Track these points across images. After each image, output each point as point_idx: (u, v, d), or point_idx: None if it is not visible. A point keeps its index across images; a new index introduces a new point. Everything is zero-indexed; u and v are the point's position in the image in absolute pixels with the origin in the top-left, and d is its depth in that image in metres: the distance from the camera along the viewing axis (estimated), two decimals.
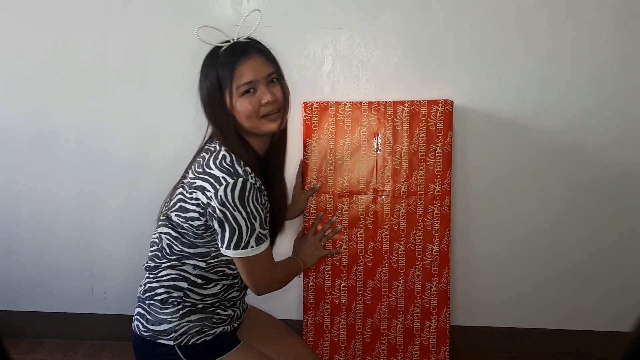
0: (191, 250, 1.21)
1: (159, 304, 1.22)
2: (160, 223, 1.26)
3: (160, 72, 1.79)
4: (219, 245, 1.18)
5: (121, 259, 1.92)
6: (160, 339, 1.21)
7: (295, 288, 1.82)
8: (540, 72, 1.70)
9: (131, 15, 1.77)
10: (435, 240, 1.66)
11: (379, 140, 1.64)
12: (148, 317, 1.23)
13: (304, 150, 1.65)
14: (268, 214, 1.22)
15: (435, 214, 1.65)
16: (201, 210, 1.15)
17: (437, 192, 1.64)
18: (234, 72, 1.16)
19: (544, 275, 1.82)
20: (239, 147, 1.19)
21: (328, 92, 1.76)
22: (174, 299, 1.22)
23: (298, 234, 1.67)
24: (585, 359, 1.83)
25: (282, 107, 1.22)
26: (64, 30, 1.79)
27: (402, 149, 1.64)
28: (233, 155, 1.17)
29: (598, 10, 1.65)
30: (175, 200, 1.22)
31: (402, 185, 1.64)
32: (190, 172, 1.21)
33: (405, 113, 1.64)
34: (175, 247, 1.22)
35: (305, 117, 1.65)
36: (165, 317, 1.21)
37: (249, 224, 1.14)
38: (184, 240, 1.21)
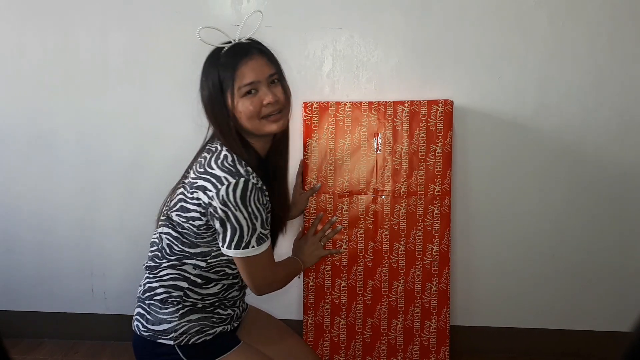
0: (191, 250, 1.21)
1: (158, 304, 1.22)
2: (160, 223, 1.26)
3: (160, 72, 1.79)
4: (220, 245, 1.18)
5: (121, 259, 1.92)
6: (160, 338, 1.21)
7: (295, 288, 1.82)
8: (540, 72, 1.70)
9: (131, 15, 1.77)
10: (435, 240, 1.66)
11: (379, 140, 1.64)
12: (148, 317, 1.23)
13: (304, 150, 1.65)
14: (269, 214, 1.22)
15: (435, 214, 1.65)
16: (202, 210, 1.16)
17: (437, 192, 1.64)
18: (236, 73, 1.16)
19: (544, 275, 1.82)
20: (240, 147, 1.20)
21: (328, 92, 1.76)
22: (173, 299, 1.22)
23: (298, 234, 1.67)
24: (585, 359, 1.83)
25: (283, 107, 1.23)
26: (64, 30, 1.79)
27: (402, 149, 1.64)
28: (234, 155, 1.17)
29: (598, 10, 1.65)
30: (176, 200, 1.22)
31: (402, 185, 1.64)
32: (191, 172, 1.21)
33: (405, 113, 1.64)
34: (176, 247, 1.22)
35: (305, 117, 1.65)
36: (165, 316, 1.21)
37: (250, 224, 1.14)
38: (184, 240, 1.21)
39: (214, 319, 1.25)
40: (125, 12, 1.77)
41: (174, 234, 1.22)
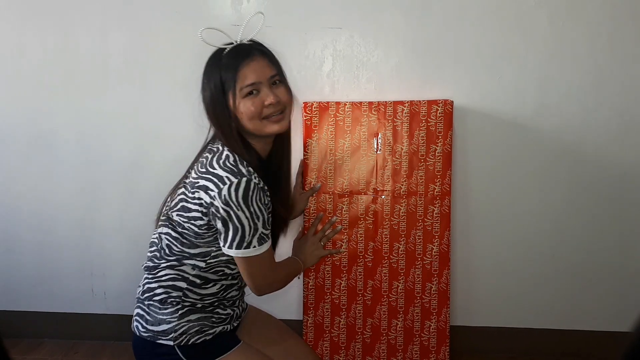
0: (191, 251, 1.21)
1: (158, 304, 1.22)
2: (160, 223, 1.26)
3: (160, 72, 1.79)
4: (221, 245, 1.18)
5: (121, 259, 1.92)
6: (159, 339, 1.21)
7: (295, 288, 1.82)
8: (540, 72, 1.70)
9: (131, 15, 1.77)
10: (435, 240, 1.66)
11: (379, 140, 1.64)
12: (147, 317, 1.23)
13: (304, 150, 1.65)
14: (270, 214, 1.22)
15: (435, 214, 1.65)
16: (204, 210, 1.16)
17: (437, 192, 1.64)
18: (237, 73, 1.17)
19: (544, 275, 1.82)
20: (241, 148, 1.20)
21: (328, 92, 1.76)
22: (173, 299, 1.22)
23: (298, 234, 1.67)
24: (585, 359, 1.83)
25: (285, 108, 1.23)
26: (64, 30, 1.79)
27: (402, 149, 1.64)
28: (236, 156, 1.17)
29: (598, 10, 1.65)
30: (177, 200, 1.22)
31: (402, 185, 1.64)
32: (192, 172, 1.21)
33: (405, 113, 1.64)
34: (175, 248, 1.22)
35: (305, 117, 1.65)
36: (165, 317, 1.21)
37: (252, 224, 1.14)
38: (184, 240, 1.21)
39: (214, 319, 1.25)
40: (125, 12, 1.77)
41: (173, 234, 1.22)
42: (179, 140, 1.80)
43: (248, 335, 1.36)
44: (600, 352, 1.82)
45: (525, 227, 1.80)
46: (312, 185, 1.65)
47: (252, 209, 1.13)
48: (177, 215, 1.20)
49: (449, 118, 1.63)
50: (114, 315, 1.96)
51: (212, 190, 1.13)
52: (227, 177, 1.13)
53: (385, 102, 1.65)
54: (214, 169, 1.15)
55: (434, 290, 1.68)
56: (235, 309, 1.31)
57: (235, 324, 1.32)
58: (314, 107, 1.65)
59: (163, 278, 1.23)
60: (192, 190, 1.17)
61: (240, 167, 1.15)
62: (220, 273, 1.25)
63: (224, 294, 1.27)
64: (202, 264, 1.22)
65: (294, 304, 1.87)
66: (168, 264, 1.23)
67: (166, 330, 1.21)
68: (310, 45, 1.74)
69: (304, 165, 1.65)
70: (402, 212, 1.65)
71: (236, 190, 1.11)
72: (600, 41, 1.67)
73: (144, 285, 1.27)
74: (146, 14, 1.76)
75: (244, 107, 1.17)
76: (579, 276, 1.81)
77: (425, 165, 1.64)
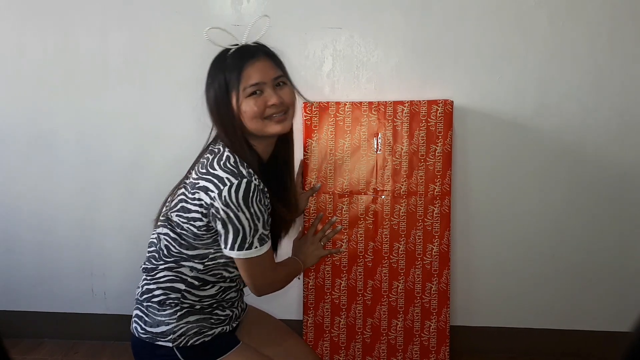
0: (189, 252, 1.21)
1: (156, 306, 1.22)
2: (159, 223, 1.26)
3: (160, 72, 1.79)
4: (222, 247, 1.17)
5: (121, 259, 1.92)
6: (158, 340, 1.21)
7: (295, 288, 1.82)
8: (540, 72, 1.70)
9: (131, 15, 1.77)
10: (435, 240, 1.66)
11: (379, 140, 1.64)
12: (146, 319, 1.23)
13: (304, 150, 1.65)
14: (270, 215, 1.22)
15: (435, 214, 1.65)
16: (204, 211, 1.15)
17: (437, 192, 1.64)
18: (242, 73, 1.17)
19: (544, 275, 1.82)
20: (244, 149, 1.20)
21: (328, 92, 1.76)
22: (171, 301, 1.22)
23: (298, 234, 1.66)
24: (585, 359, 1.83)
25: (288, 109, 1.23)
26: (64, 30, 1.79)
27: (402, 149, 1.64)
28: (237, 157, 1.17)
29: (598, 10, 1.65)
30: (176, 200, 1.21)
31: (402, 185, 1.64)
32: (193, 172, 1.21)
33: (405, 113, 1.64)
34: (173, 249, 1.22)
35: (305, 117, 1.65)
36: (163, 318, 1.21)
37: (252, 225, 1.14)
38: (182, 241, 1.21)
39: (213, 320, 1.25)
40: (125, 12, 1.77)
41: (172, 234, 1.22)
42: (179, 140, 1.80)
43: (248, 335, 1.36)
44: (600, 352, 1.82)
45: (525, 227, 1.80)
46: (312, 185, 1.65)
47: (252, 210, 1.13)
48: (177, 215, 1.20)
49: (449, 118, 1.63)
50: (114, 315, 1.96)
51: (212, 192, 1.13)
52: (227, 178, 1.13)
53: (385, 102, 1.65)
54: (215, 170, 1.15)
55: (434, 290, 1.68)
56: (234, 310, 1.31)
57: (234, 325, 1.31)
58: (314, 107, 1.65)
59: (161, 280, 1.23)
60: (192, 191, 1.17)
61: (241, 168, 1.15)
62: (219, 276, 1.24)
63: (223, 296, 1.27)
64: (200, 266, 1.21)
65: (294, 304, 1.87)
66: (166, 265, 1.23)
67: (165, 331, 1.21)
68: (310, 45, 1.74)
69: (304, 165, 1.65)
70: (402, 212, 1.65)
71: (236, 191, 1.11)
72: (600, 41, 1.67)
73: (142, 286, 1.26)
74: (146, 14, 1.76)
75: (247, 107, 1.18)
76: (579, 276, 1.81)
77: (425, 165, 1.64)
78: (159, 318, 1.21)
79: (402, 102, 1.64)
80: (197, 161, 1.25)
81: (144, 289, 1.25)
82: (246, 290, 1.35)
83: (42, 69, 1.82)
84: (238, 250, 1.15)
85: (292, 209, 1.39)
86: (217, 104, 1.20)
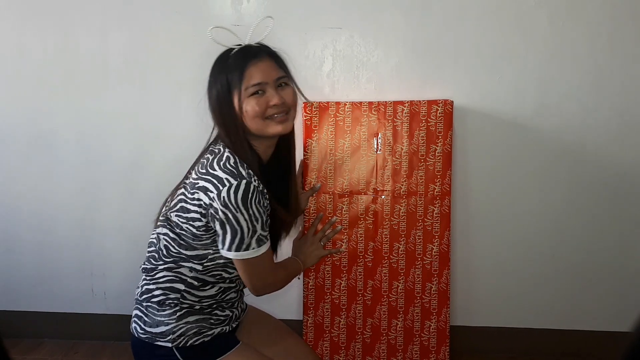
0: (188, 253, 1.21)
1: (156, 306, 1.22)
2: (158, 224, 1.26)
3: (160, 72, 1.79)
4: (219, 247, 1.17)
5: (121, 259, 1.92)
6: (158, 341, 1.21)
7: (295, 288, 1.82)
8: (540, 72, 1.70)
9: (131, 15, 1.77)
10: (435, 240, 1.66)
11: (379, 140, 1.64)
12: (145, 319, 1.23)
13: (304, 150, 1.65)
14: (269, 217, 1.22)
15: (435, 214, 1.65)
16: (203, 211, 1.15)
17: (437, 192, 1.64)
18: (244, 73, 1.17)
19: (544, 275, 1.82)
20: (244, 149, 1.20)
21: (328, 92, 1.76)
22: (171, 301, 1.21)
23: (298, 234, 1.66)
24: (585, 359, 1.83)
25: (289, 110, 1.23)
26: (64, 30, 1.79)
27: (402, 149, 1.64)
28: (237, 157, 1.17)
29: (598, 10, 1.65)
30: (176, 200, 1.21)
31: (402, 185, 1.64)
32: (193, 172, 1.21)
33: (405, 113, 1.64)
34: (172, 249, 1.22)
35: (305, 117, 1.65)
36: (163, 318, 1.21)
37: (250, 226, 1.14)
38: (181, 242, 1.21)
39: (212, 321, 1.25)
40: (125, 12, 1.77)
41: (171, 235, 1.21)
42: (179, 140, 1.80)
43: (248, 335, 1.36)
44: (600, 352, 1.82)
45: (525, 227, 1.80)
46: (312, 185, 1.65)
47: (251, 212, 1.13)
48: (176, 215, 1.20)
49: (449, 118, 1.63)
50: (114, 315, 1.96)
51: (211, 192, 1.13)
52: (226, 179, 1.13)
53: (385, 102, 1.65)
54: (214, 170, 1.15)
55: (434, 290, 1.68)
56: (234, 310, 1.31)
57: (234, 325, 1.31)
58: (314, 107, 1.65)
59: (161, 280, 1.23)
60: (191, 191, 1.17)
61: (241, 169, 1.15)
62: (218, 276, 1.24)
63: (223, 296, 1.27)
64: (199, 267, 1.21)
65: (294, 304, 1.88)
66: (166, 265, 1.23)
67: (164, 332, 1.20)
68: (310, 45, 1.74)
69: (304, 165, 1.65)
70: (402, 212, 1.65)
71: (235, 192, 1.11)
72: (600, 41, 1.67)
73: (142, 286, 1.26)
74: (146, 14, 1.76)
75: (248, 106, 1.18)
76: (579, 276, 1.81)
77: (425, 165, 1.64)
78: (159, 318, 1.21)
79: (402, 102, 1.64)
80: (197, 161, 1.25)
81: (143, 289, 1.25)
82: (246, 290, 1.35)
83: (42, 69, 1.82)
84: (235, 251, 1.15)
85: (291, 210, 1.39)
86: (219, 103, 1.20)
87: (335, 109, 1.65)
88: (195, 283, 1.22)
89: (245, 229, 1.13)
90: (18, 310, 1.99)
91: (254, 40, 1.25)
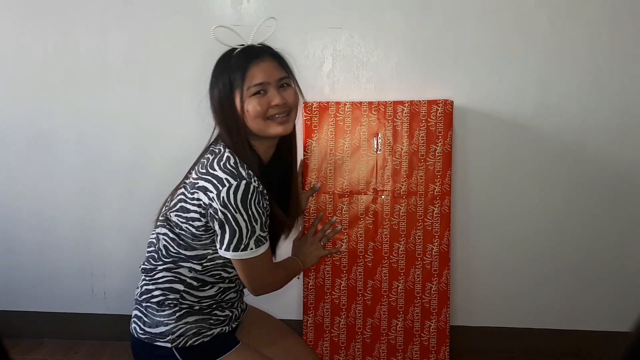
0: (187, 253, 1.21)
1: (155, 306, 1.22)
2: (158, 224, 1.26)
3: (160, 72, 1.79)
4: (218, 247, 1.17)
5: (121, 259, 1.92)
6: (157, 341, 1.21)
7: (295, 288, 1.82)
8: (540, 72, 1.70)
9: (131, 15, 1.77)
10: (435, 240, 1.66)
11: (379, 140, 1.64)
12: (145, 319, 1.23)
13: (304, 150, 1.65)
14: (268, 217, 1.22)
15: (435, 214, 1.65)
16: (202, 211, 1.15)
17: (437, 192, 1.64)
18: (246, 73, 1.17)
19: (544, 275, 1.82)
20: (245, 150, 1.20)
21: (328, 92, 1.76)
22: (170, 301, 1.21)
23: (298, 234, 1.66)
24: (585, 359, 1.83)
25: (290, 111, 1.23)
26: (64, 30, 1.79)
27: (402, 149, 1.64)
28: (237, 158, 1.17)
29: (598, 10, 1.65)
30: (176, 200, 1.21)
31: (402, 185, 1.64)
32: (193, 172, 1.21)
33: (405, 113, 1.64)
34: (172, 249, 1.22)
35: (305, 117, 1.65)
36: (162, 319, 1.21)
37: (249, 226, 1.13)
38: (181, 242, 1.21)
39: (212, 321, 1.25)
40: (125, 12, 1.77)
41: (171, 235, 1.21)
42: (179, 140, 1.80)
43: (248, 335, 1.36)
44: (600, 352, 1.82)
45: (525, 227, 1.80)
46: (312, 185, 1.65)
47: (250, 212, 1.13)
48: (176, 215, 1.20)
49: (449, 118, 1.63)
50: (114, 315, 1.96)
51: (211, 192, 1.13)
52: (226, 179, 1.13)
53: (385, 102, 1.65)
54: (214, 170, 1.15)
55: (434, 290, 1.68)
56: (234, 310, 1.31)
57: (234, 325, 1.31)
58: (314, 107, 1.65)
59: (160, 280, 1.23)
60: (191, 191, 1.17)
61: (241, 169, 1.15)
62: (217, 276, 1.24)
63: (222, 297, 1.27)
64: (199, 267, 1.21)
65: (294, 304, 1.88)
66: (165, 266, 1.23)
67: (164, 332, 1.20)
68: (310, 45, 1.74)
69: (304, 165, 1.65)
70: (402, 212, 1.65)
71: (235, 192, 1.11)
72: (600, 41, 1.67)
73: (141, 287, 1.26)
74: (146, 14, 1.76)
75: (250, 106, 1.18)
76: (579, 276, 1.81)
77: (425, 165, 1.64)
78: (158, 319, 1.21)
79: (402, 102, 1.64)
80: (197, 161, 1.25)
81: (143, 290, 1.25)
82: (246, 290, 1.34)
83: (42, 69, 1.82)
84: (233, 251, 1.15)
85: (291, 212, 1.39)
86: (221, 103, 1.20)
87: (335, 109, 1.65)
88: (195, 283, 1.22)
89: (244, 230, 1.13)
90: (18, 310, 1.99)
91: (256, 41, 1.25)
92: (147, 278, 1.25)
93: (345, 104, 1.65)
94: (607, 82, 1.69)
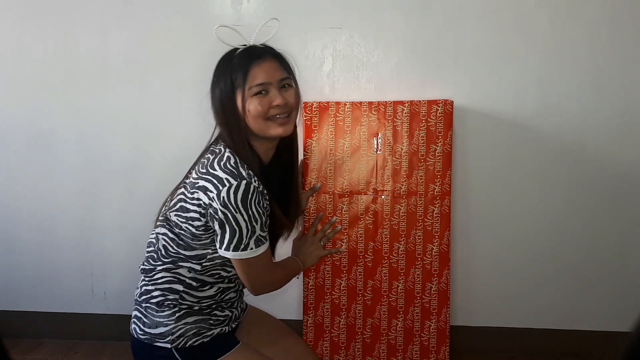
0: (186, 253, 1.21)
1: (155, 307, 1.22)
2: (158, 223, 1.26)
3: (160, 72, 1.79)
4: (218, 247, 1.17)
5: (121, 259, 1.92)
6: (157, 342, 1.21)
7: (295, 288, 1.82)
8: (540, 72, 1.70)
9: (131, 15, 1.77)
10: (435, 240, 1.66)
11: (379, 140, 1.64)
12: (145, 320, 1.23)
13: (304, 150, 1.65)
14: (268, 217, 1.22)
15: (435, 214, 1.65)
16: (202, 211, 1.15)
17: (437, 192, 1.64)
18: (248, 73, 1.17)
19: (544, 275, 1.82)
20: (245, 150, 1.20)
21: (328, 92, 1.76)
22: (169, 302, 1.21)
23: (298, 234, 1.66)
24: (585, 359, 1.83)
25: (291, 112, 1.23)
26: (64, 30, 1.79)
27: (402, 149, 1.64)
28: (237, 158, 1.17)
29: (598, 10, 1.65)
30: (176, 200, 1.21)
31: (402, 185, 1.64)
32: (193, 172, 1.21)
33: (405, 113, 1.64)
34: (171, 249, 1.22)
35: (305, 117, 1.65)
36: (162, 319, 1.21)
37: (249, 226, 1.14)
38: (180, 242, 1.21)
39: (211, 321, 1.25)
40: (125, 12, 1.77)
41: (170, 234, 1.21)
42: (179, 140, 1.80)
43: (248, 335, 1.36)
44: (600, 352, 1.82)
45: (525, 227, 1.79)
46: (312, 185, 1.65)
47: (250, 212, 1.13)
48: (175, 215, 1.20)
49: (449, 118, 1.63)
50: (114, 315, 1.96)
51: (211, 192, 1.13)
52: (226, 179, 1.13)
53: (385, 102, 1.65)
54: (215, 170, 1.15)
55: (434, 290, 1.68)
56: (233, 310, 1.31)
57: (234, 325, 1.31)
58: (314, 107, 1.65)
59: (159, 281, 1.23)
60: (191, 191, 1.17)
61: (241, 169, 1.15)
62: (217, 276, 1.24)
63: (222, 297, 1.27)
64: (198, 267, 1.21)
65: (294, 304, 1.87)
66: (164, 266, 1.23)
67: (163, 332, 1.20)
68: (310, 45, 1.74)
69: (304, 165, 1.65)
70: (402, 212, 1.65)
71: (235, 192, 1.11)
72: (600, 41, 1.67)
73: (141, 287, 1.26)
74: (146, 14, 1.76)
75: (251, 106, 1.18)
76: (579, 276, 1.81)
77: (425, 165, 1.64)
78: (158, 319, 1.21)
79: (402, 102, 1.64)
80: (197, 161, 1.25)
81: (142, 290, 1.25)
82: (246, 290, 1.35)
83: (42, 69, 1.82)
84: (233, 251, 1.15)
85: (291, 213, 1.39)
86: (222, 102, 1.20)
87: (335, 109, 1.65)
88: (194, 284, 1.22)
89: (245, 230, 1.13)
90: (18, 310, 1.99)
91: (258, 41, 1.25)
92: (147, 279, 1.25)
93: (345, 104, 1.65)
94: (607, 82, 1.69)
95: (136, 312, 1.26)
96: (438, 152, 1.63)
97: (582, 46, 1.68)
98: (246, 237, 1.14)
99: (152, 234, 1.27)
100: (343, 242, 1.66)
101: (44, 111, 1.85)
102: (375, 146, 1.64)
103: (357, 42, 1.73)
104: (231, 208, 1.11)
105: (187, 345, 1.21)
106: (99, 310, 1.97)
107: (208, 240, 1.19)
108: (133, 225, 1.88)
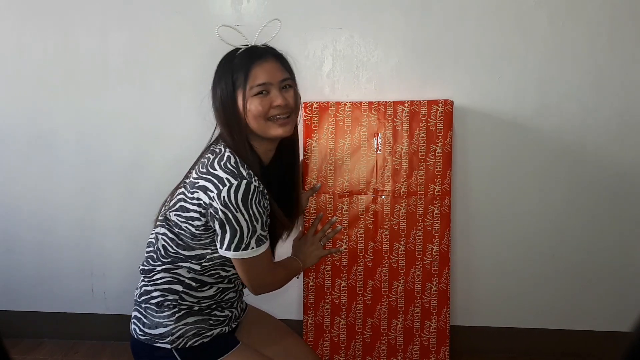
0: (186, 253, 1.21)
1: (155, 307, 1.22)
2: (157, 223, 1.26)
3: (160, 72, 1.79)
4: (218, 247, 1.17)
5: (121, 259, 1.92)
6: (157, 342, 1.21)
7: (295, 288, 1.82)
8: (540, 72, 1.70)
9: (131, 15, 1.77)
10: (435, 240, 1.66)
11: (379, 140, 1.64)
12: (144, 320, 1.23)
13: (304, 150, 1.65)
14: (268, 217, 1.22)
15: (435, 214, 1.65)
16: (202, 211, 1.15)
17: (437, 192, 1.64)
18: (249, 73, 1.17)
19: (544, 275, 1.82)
20: (245, 150, 1.20)
21: (328, 92, 1.76)
22: (169, 302, 1.21)
23: (298, 234, 1.66)
24: (585, 359, 1.83)
25: (291, 113, 1.23)
26: (64, 30, 1.79)
27: (402, 149, 1.64)
28: (237, 158, 1.17)
29: (598, 10, 1.65)
30: (175, 200, 1.21)
31: (402, 185, 1.64)
32: (193, 172, 1.21)
33: (405, 113, 1.64)
34: (170, 249, 1.22)
35: (305, 117, 1.65)
36: (162, 320, 1.21)
37: (250, 226, 1.14)
38: (179, 242, 1.20)
39: (211, 322, 1.25)
40: (125, 12, 1.77)
41: (170, 234, 1.21)
42: (179, 140, 1.80)
43: (248, 335, 1.35)
44: (600, 352, 1.82)
45: (525, 227, 1.80)
46: (312, 185, 1.65)
47: (251, 212, 1.13)
48: (175, 215, 1.20)
49: (449, 118, 1.63)
50: (114, 315, 1.96)
51: (211, 192, 1.13)
52: (227, 178, 1.13)
53: (385, 102, 1.65)
54: (215, 170, 1.15)
55: (434, 290, 1.68)
56: (233, 310, 1.31)
57: (233, 326, 1.31)
58: (314, 107, 1.65)
59: (159, 281, 1.23)
60: (191, 191, 1.17)
61: (241, 169, 1.15)
62: (216, 276, 1.24)
63: (221, 297, 1.27)
64: (197, 267, 1.21)
65: (294, 304, 1.87)
66: (164, 266, 1.22)
67: (163, 333, 1.20)
68: (310, 45, 1.74)
69: (304, 165, 1.65)
70: (402, 212, 1.65)
71: (235, 192, 1.11)
72: (600, 41, 1.67)
73: (140, 288, 1.26)
74: (146, 14, 1.76)
75: (252, 105, 1.18)
76: (579, 276, 1.81)
77: (425, 165, 1.64)
78: (157, 320, 1.21)
79: (402, 102, 1.64)
80: (197, 161, 1.25)
81: (142, 291, 1.25)
82: (246, 290, 1.35)
83: (42, 69, 1.82)
84: (234, 250, 1.15)
85: (291, 213, 1.39)
86: (223, 102, 1.20)
87: (335, 109, 1.65)
88: (194, 284, 1.22)
89: (245, 229, 1.13)
90: (18, 310, 1.99)
91: (260, 42, 1.25)
92: (146, 279, 1.25)
93: (345, 104, 1.65)
94: (607, 82, 1.69)
95: (136, 313, 1.25)
96: (438, 152, 1.63)
97: (582, 46, 1.68)
98: (247, 237, 1.14)
99: (152, 233, 1.27)
100: (343, 242, 1.66)
101: (44, 111, 1.85)
102: (375, 146, 1.64)
103: (357, 42, 1.73)
104: (232, 208, 1.11)
105: (187, 346, 1.21)
106: (99, 310, 1.98)
107: (208, 240, 1.19)
108: (133, 225, 1.88)
